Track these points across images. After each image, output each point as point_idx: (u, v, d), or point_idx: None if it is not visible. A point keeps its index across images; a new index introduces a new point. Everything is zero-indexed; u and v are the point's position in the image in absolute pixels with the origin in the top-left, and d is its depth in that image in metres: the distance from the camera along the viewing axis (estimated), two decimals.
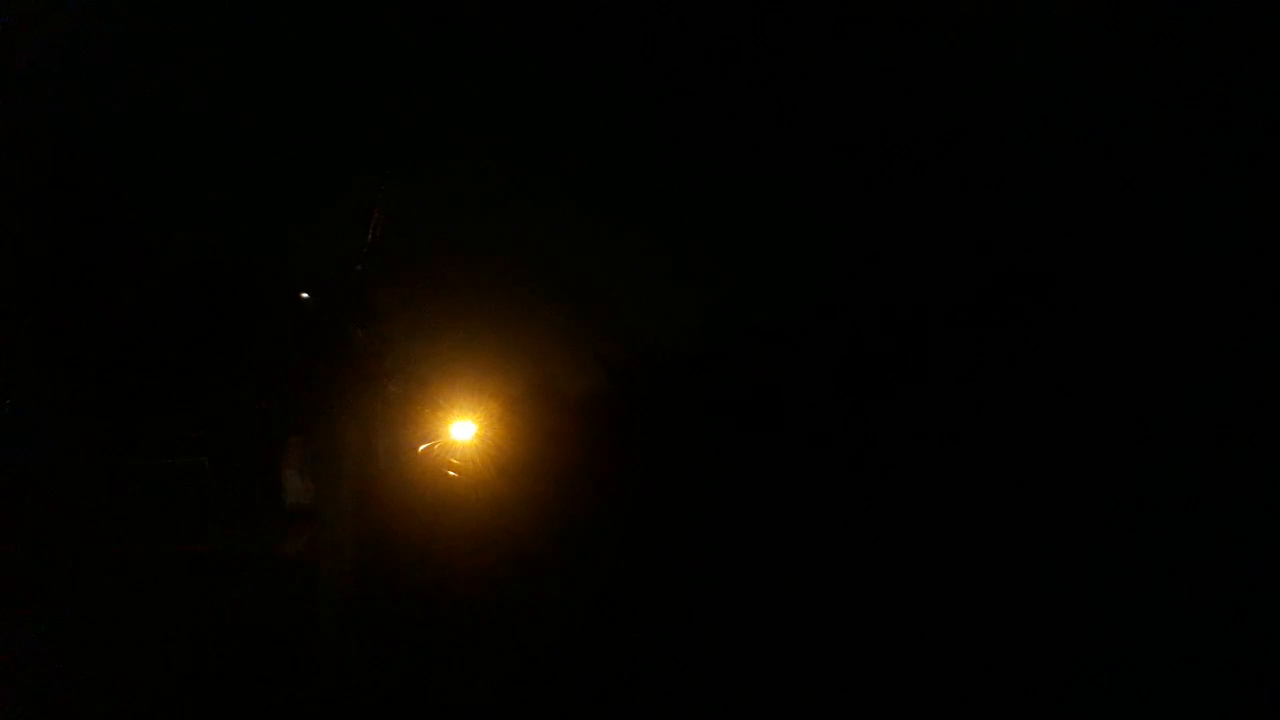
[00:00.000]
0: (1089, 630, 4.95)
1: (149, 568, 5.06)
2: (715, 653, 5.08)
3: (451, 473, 5.48)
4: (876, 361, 5.71)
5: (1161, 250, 5.48)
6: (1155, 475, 5.22)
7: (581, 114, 5.61)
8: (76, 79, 5.28)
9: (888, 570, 5.24)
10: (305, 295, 5.42)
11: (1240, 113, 5.46)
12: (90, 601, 4.98)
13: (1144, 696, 4.76)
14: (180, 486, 5.22)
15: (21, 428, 5.10)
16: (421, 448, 5.45)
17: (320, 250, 5.47)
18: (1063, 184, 5.60)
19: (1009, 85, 5.63)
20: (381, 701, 5.08)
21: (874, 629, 5.07)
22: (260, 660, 5.05)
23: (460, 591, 5.34)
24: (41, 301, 5.23)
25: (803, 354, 5.70)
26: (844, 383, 5.68)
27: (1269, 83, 5.37)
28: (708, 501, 5.55)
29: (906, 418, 5.57)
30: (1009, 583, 5.12)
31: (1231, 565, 4.99)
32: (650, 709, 4.91)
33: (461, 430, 5.53)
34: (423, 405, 5.51)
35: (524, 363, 5.57)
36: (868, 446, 5.57)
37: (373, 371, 5.47)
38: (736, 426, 5.65)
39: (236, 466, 5.31)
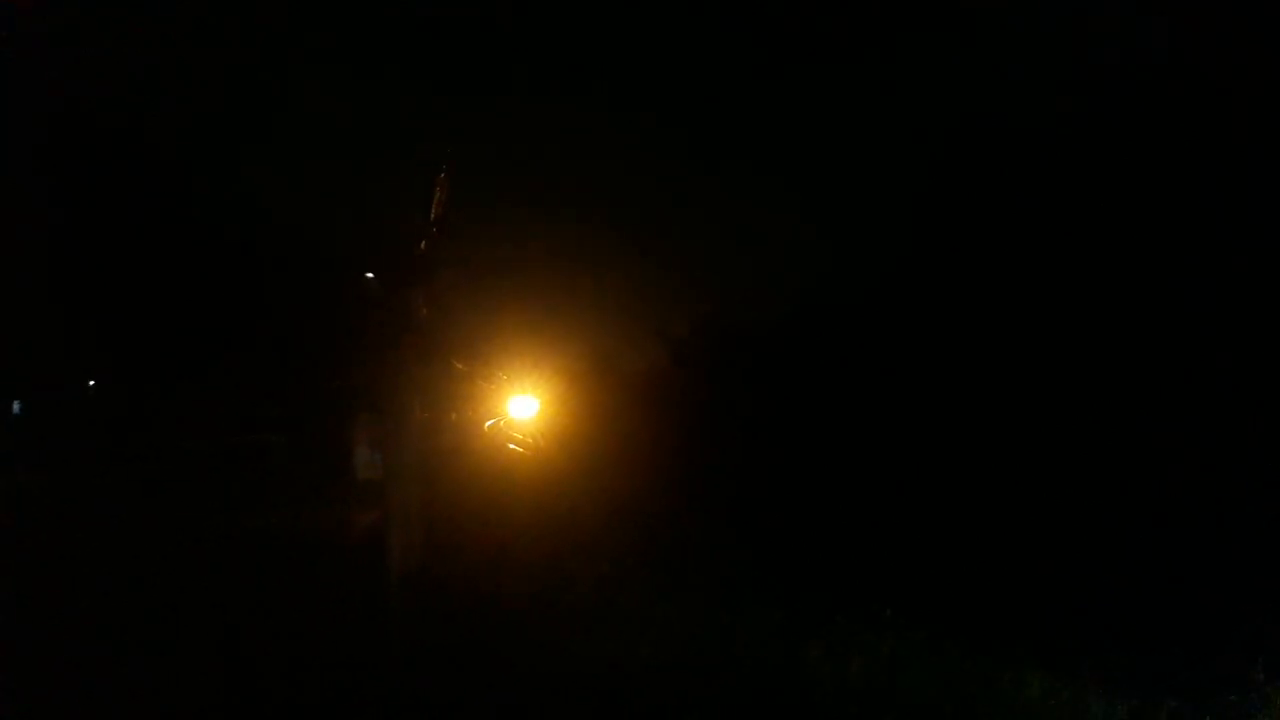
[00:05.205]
0: None
1: (227, 540, 5.26)
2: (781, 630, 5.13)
3: (514, 447, 5.56)
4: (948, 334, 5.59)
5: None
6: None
7: (645, 91, 5.55)
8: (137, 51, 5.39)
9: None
10: (370, 275, 5.52)
11: None
12: (168, 574, 5.20)
13: None
14: (256, 462, 5.40)
15: (103, 408, 5.31)
16: (488, 424, 5.54)
17: (385, 230, 5.55)
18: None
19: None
20: (448, 666, 5.23)
21: None
22: (332, 628, 5.22)
23: (525, 563, 5.46)
24: (120, 281, 5.42)
25: (868, 329, 5.62)
26: (910, 358, 5.59)
27: None
28: (769, 475, 5.54)
29: (980, 390, 5.46)
30: None
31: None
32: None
33: (524, 406, 5.59)
34: (487, 381, 5.58)
35: (586, 339, 5.60)
36: (935, 425, 5.49)
37: (438, 349, 5.56)
38: (798, 401, 5.61)
39: (309, 442, 5.46)
